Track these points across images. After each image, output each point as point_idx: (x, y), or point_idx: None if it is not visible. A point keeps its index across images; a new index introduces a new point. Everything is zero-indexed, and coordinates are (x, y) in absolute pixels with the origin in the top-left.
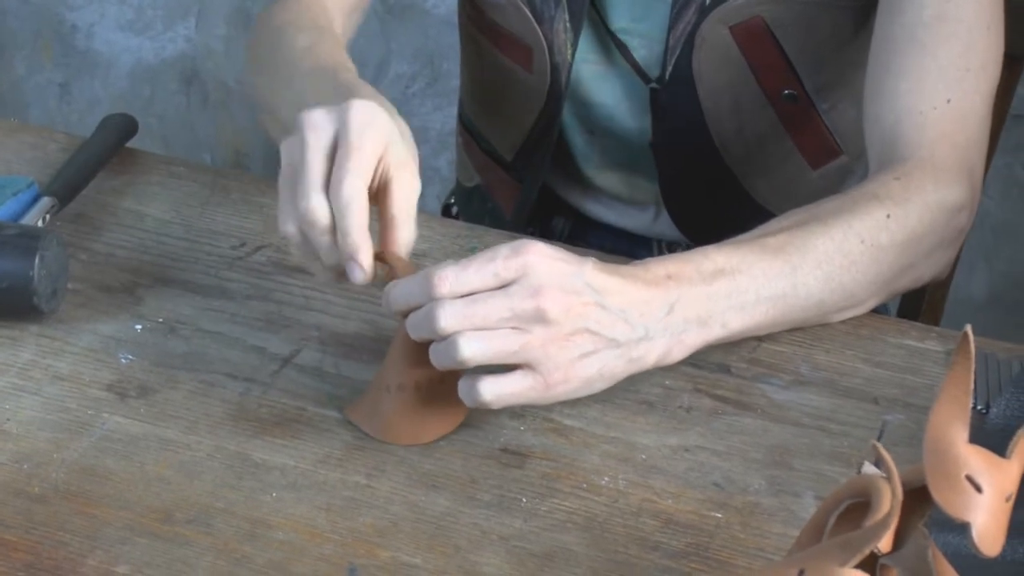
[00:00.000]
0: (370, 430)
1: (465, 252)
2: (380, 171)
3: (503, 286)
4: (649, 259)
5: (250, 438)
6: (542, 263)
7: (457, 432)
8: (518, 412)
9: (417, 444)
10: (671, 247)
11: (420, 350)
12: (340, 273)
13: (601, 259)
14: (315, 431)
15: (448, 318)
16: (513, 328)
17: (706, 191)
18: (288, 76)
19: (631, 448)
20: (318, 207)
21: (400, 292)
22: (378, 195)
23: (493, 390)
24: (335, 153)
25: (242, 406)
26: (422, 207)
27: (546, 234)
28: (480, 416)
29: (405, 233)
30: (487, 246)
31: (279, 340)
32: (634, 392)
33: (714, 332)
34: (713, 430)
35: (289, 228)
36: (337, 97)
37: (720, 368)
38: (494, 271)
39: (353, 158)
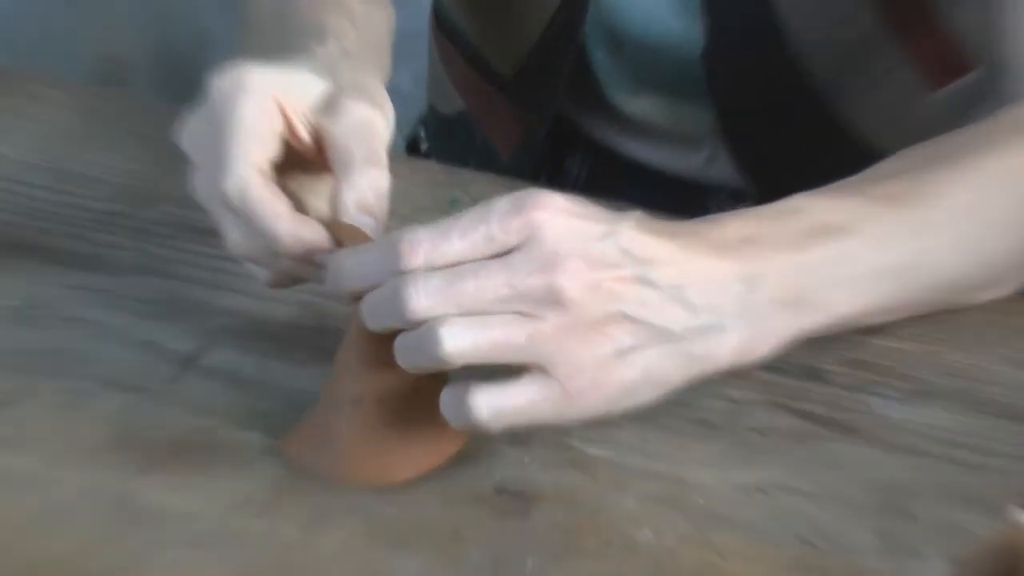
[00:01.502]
0: (315, 467)
1: (442, 206)
2: (296, 124)
3: (501, 254)
4: (718, 215)
5: (137, 473)
6: (557, 221)
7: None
8: (520, 436)
9: (383, 486)
10: (732, 201)
11: (383, 347)
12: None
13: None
14: (230, 463)
15: (422, 296)
16: (517, 313)
17: (780, 122)
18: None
19: (682, 488)
20: (232, 233)
21: (353, 264)
22: (320, 155)
23: (491, 403)
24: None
25: (126, 427)
26: None
27: (557, 181)
28: (465, 441)
29: (347, 190)
30: (475, 199)
31: (178, 332)
32: (686, 407)
33: (812, 317)
34: (799, 462)
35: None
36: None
37: (808, 373)
38: (488, 233)
39: (227, 146)
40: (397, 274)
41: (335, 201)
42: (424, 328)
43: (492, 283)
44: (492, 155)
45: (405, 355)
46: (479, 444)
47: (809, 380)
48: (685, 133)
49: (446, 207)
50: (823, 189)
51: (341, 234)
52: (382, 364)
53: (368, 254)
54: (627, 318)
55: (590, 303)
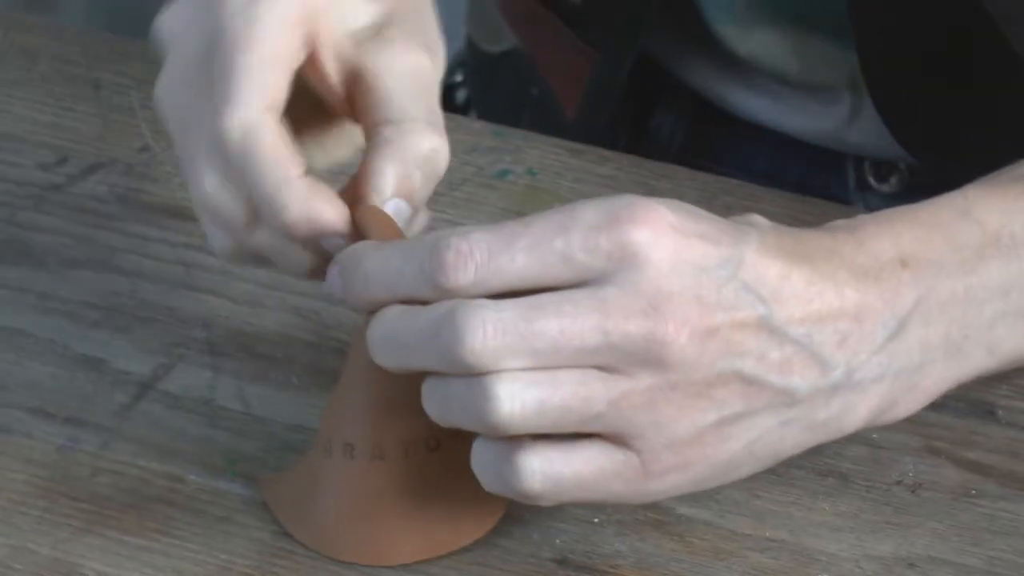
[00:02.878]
0: (296, 531)
1: (485, 180)
2: (324, 56)
3: (584, 283)
4: (862, 221)
5: (78, 533)
6: (663, 244)
7: None
8: None
9: (386, 565)
10: (878, 174)
11: (399, 382)
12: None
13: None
14: (202, 521)
15: (489, 335)
16: (600, 369)
17: (946, 66)
18: None
19: (805, 560)
20: (207, 185)
21: (378, 265)
22: (348, 101)
23: (547, 470)
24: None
25: (65, 473)
26: None
27: (643, 144)
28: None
29: (393, 161)
30: (532, 170)
31: (132, 347)
32: (810, 454)
33: (975, 362)
34: (962, 528)
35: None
36: None
37: (976, 410)
38: (566, 251)
39: (235, 69)
40: (436, 290)
41: (370, 173)
42: (475, 381)
43: (581, 326)
44: (553, 109)
45: (440, 407)
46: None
47: (977, 419)
48: (817, 80)
49: (492, 181)
50: (993, 181)
51: (365, 220)
52: (394, 404)
53: (398, 255)
54: (740, 377)
55: (698, 359)
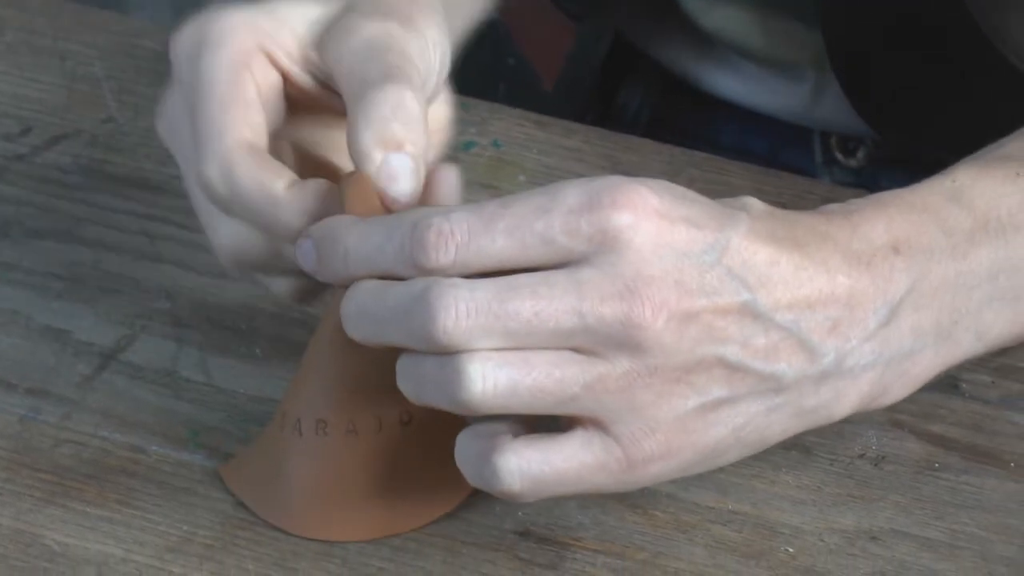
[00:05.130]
0: (260, 509)
1: (451, 151)
2: (290, 71)
3: (564, 264)
4: (852, 206)
5: (40, 504)
6: (645, 228)
7: None
8: None
9: (348, 541)
10: (847, 147)
11: (370, 358)
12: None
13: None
14: (164, 492)
15: (462, 315)
16: (575, 351)
17: (909, 40)
18: None
19: (768, 533)
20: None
21: (358, 243)
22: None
23: (526, 469)
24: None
25: (26, 443)
26: None
27: (611, 119)
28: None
29: (361, 127)
30: (497, 143)
31: (95, 318)
32: None
33: (964, 347)
34: (925, 502)
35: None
36: None
37: (940, 383)
38: (546, 233)
39: (199, 124)
40: (415, 269)
41: (349, 147)
42: (448, 359)
43: (556, 308)
44: (531, 81)
45: (414, 386)
46: None
47: (940, 392)
48: (782, 57)
49: (457, 153)
50: (981, 164)
51: (345, 190)
52: (368, 379)
53: (379, 231)
54: (722, 363)
55: (676, 345)
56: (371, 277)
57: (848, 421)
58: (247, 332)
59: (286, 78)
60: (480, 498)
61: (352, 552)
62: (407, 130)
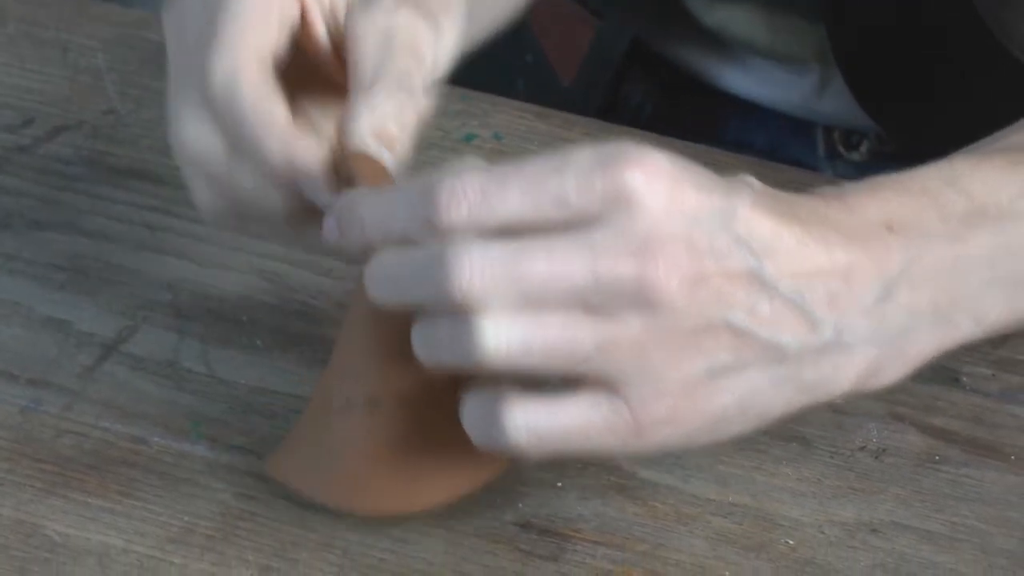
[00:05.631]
0: (311, 492)
1: (452, 144)
2: (314, 17)
3: (577, 225)
4: (849, 189)
5: (41, 494)
6: (657, 189)
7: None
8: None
9: (406, 512)
10: (851, 141)
11: (396, 331)
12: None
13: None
14: (165, 483)
15: (476, 271)
16: (588, 312)
17: (913, 36)
18: None
19: (768, 525)
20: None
21: (371, 208)
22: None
23: (532, 423)
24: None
25: (28, 434)
26: None
27: (614, 112)
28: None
29: (363, 111)
30: (498, 135)
31: (97, 309)
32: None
33: (961, 329)
34: (926, 493)
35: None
36: None
37: (940, 376)
38: (560, 193)
39: (218, 24)
40: (429, 230)
41: (344, 123)
42: (463, 318)
43: (570, 267)
44: (548, 77)
45: (427, 347)
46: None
47: (941, 385)
48: (786, 52)
49: (458, 144)
50: (980, 152)
51: (356, 168)
52: (395, 354)
53: (392, 196)
54: (730, 328)
55: (688, 307)
56: (388, 243)
57: (849, 414)
58: (248, 323)
59: (305, 20)
60: (481, 490)
61: (353, 543)
62: (400, 134)
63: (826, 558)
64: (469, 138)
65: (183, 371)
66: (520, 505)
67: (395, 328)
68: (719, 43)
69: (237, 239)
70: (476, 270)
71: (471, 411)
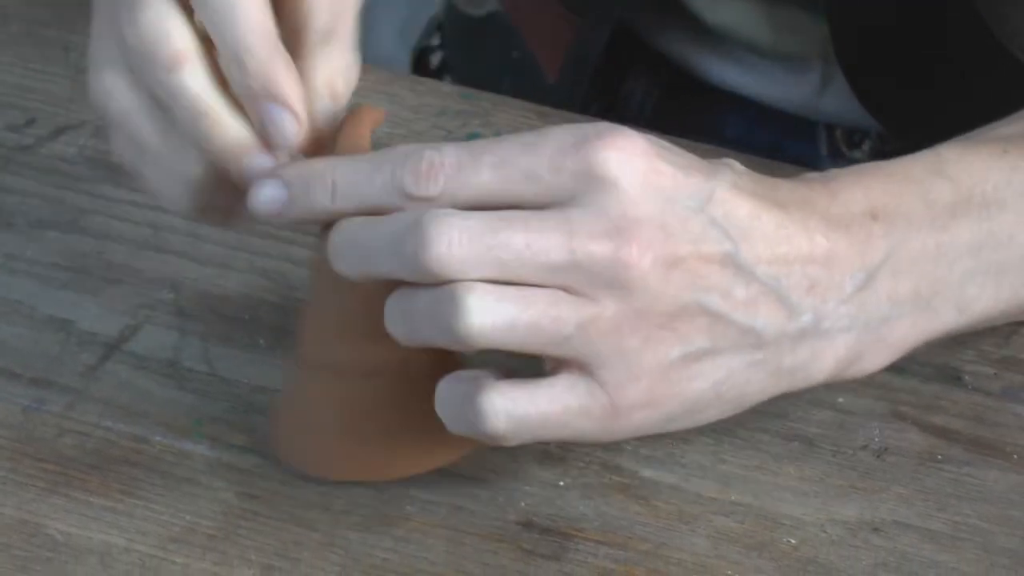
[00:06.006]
0: (297, 460)
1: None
2: None
3: (551, 204)
4: (833, 175)
5: (43, 493)
6: (632, 168)
7: (440, 491)
8: (553, 452)
9: (377, 479)
10: (853, 139)
11: (366, 297)
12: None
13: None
14: (167, 482)
15: (455, 242)
16: (564, 289)
17: (915, 36)
18: None
19: (770, 524)
20: (163, 24)
21: (347, 174)
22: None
23: (511, 409)
24: None
25: (29, 433)
26: (375, 52)
27: (615, 111)
28: (479, 456)
29: (321, 63)
30: (496, 129)
31: (99, 308)
32: (776, 418)
33: (944, 319)
34: (928, 492)
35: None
36: None
37: (942, 374)
38: (531, 169)
39: None
40: (404, 199)
41: (301, 71)
42: (444, 291)
43: (546, 242)
44: (534, 73)
45: (405, 322)
46: (498, 461)
47: (943, 384)
48: (789, 49)
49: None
50: (968, 141)
51: (346, 130)
52: (368, 324)
53: (369, 163)
54: (705, 312)
55: (662, 288)
56: (358, 211)
57: (851, 413)
58: (250, 322)
59: None
60: (482, 488)
61: (354, 542)
62: (344, 91)
63: (828, 557)
64: (472, 137)
65: (185, 370)
66: (522, 504)
67: (365, 297)
68: (721, 42)
69: (239, 238)
70: (455, 239)
71: (446, 396)
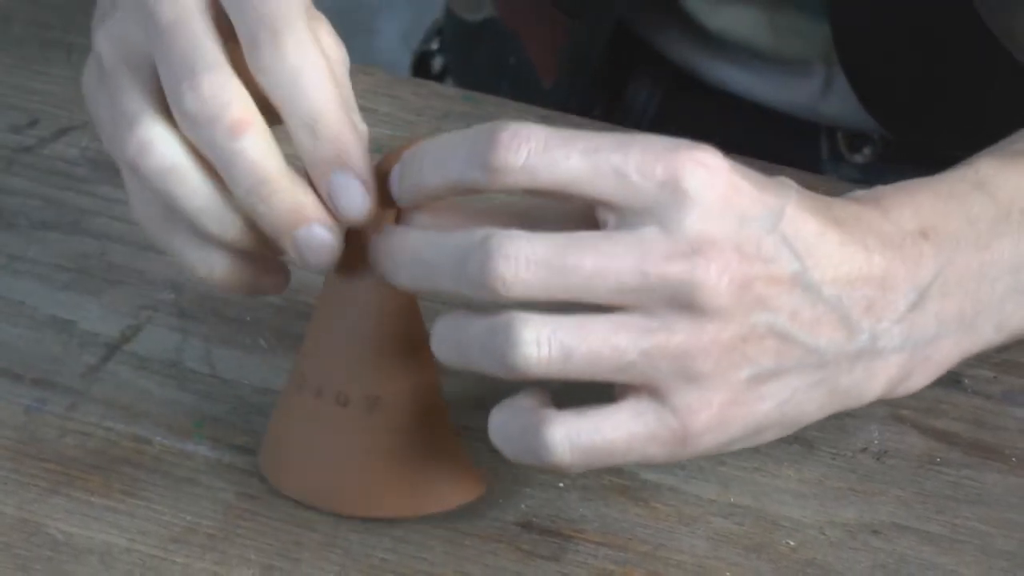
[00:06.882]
0: (295, 490)
1: None
2: None
3: (625, 207)
4: (880, 192)
5: (44, 493)
6: (715, 184)
7: None
8: None
9: (402, 517)
10: (854, 143)
11: (406, 335)
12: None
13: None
14: (168, 482)
15: (521, 264)
16: (632, 315)
17: (918, 38)
18: None
19: (769, 526)
20: (226, 89)
21: (434, 149)
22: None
23: (577, 439)
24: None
25: (31, 434)
26: (364, 54)
27: (618, 113)
28: (478, 457)
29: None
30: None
31: (101, 309)
32: None
33: (983, 338)
34: (927, 495)
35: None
36: None
37: (942, 377)
38: (620, 167)
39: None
40: (485, 172)
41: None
42: (499, 321)
43: (618, 265)
44: (531, 78)
45: (456, 348)
46: (498, 463)
47: (943, 387)
48: (790, 53)
49: None
50: (1003, 154)
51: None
52: (396, 351)
53: (454, 136)
54: (773, 333)
55: (734, 311)
56: (443, 186)
57: (851, 415)
58: (252, 323)
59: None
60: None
61: (355, 543)
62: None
63: (827, 559)
64: None
65: (186, 371)
66: (522, 505)
67: (399, 322)
68: (722, 45)
69: None
70: (522, 261)
71: (504, 426)
